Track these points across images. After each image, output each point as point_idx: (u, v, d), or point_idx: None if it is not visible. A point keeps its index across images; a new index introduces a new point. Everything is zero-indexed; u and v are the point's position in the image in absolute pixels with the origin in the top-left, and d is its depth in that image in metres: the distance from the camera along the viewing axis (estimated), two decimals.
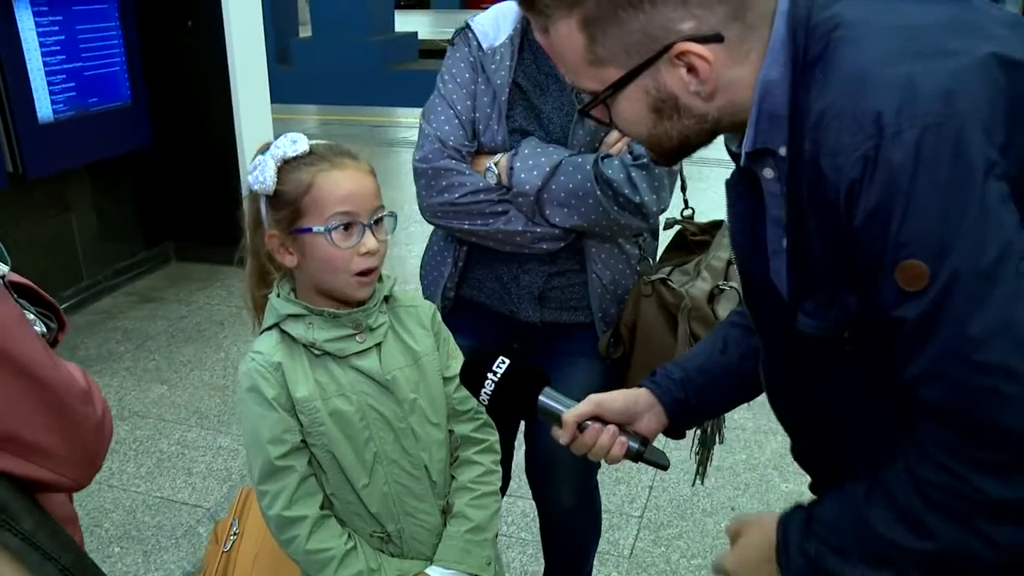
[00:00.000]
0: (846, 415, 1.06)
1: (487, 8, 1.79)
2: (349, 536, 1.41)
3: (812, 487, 1.23)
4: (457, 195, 1.69)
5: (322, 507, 1.40)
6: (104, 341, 4.09)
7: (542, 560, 2.24)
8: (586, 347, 1.80)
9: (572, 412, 1.22)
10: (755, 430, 3.20)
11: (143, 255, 4.87)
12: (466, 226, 1.71)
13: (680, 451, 3.11)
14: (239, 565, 1.89)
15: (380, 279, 1.43)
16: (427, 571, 1.45)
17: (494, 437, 1.56)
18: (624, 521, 2.79)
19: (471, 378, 1.27)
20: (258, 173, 1.34)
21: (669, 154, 1.04)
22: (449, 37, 1.80)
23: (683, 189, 1.80)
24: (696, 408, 1.30)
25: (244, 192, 1.42)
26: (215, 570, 1.97)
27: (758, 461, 3.08)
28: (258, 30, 4.86)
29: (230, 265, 5.27)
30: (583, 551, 2.15)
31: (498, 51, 1.70)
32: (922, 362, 0.84)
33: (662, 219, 1.87)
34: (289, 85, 10.64)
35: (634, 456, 1.25)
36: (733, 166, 1.08)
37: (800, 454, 1.22)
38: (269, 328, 1.40)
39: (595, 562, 2.22)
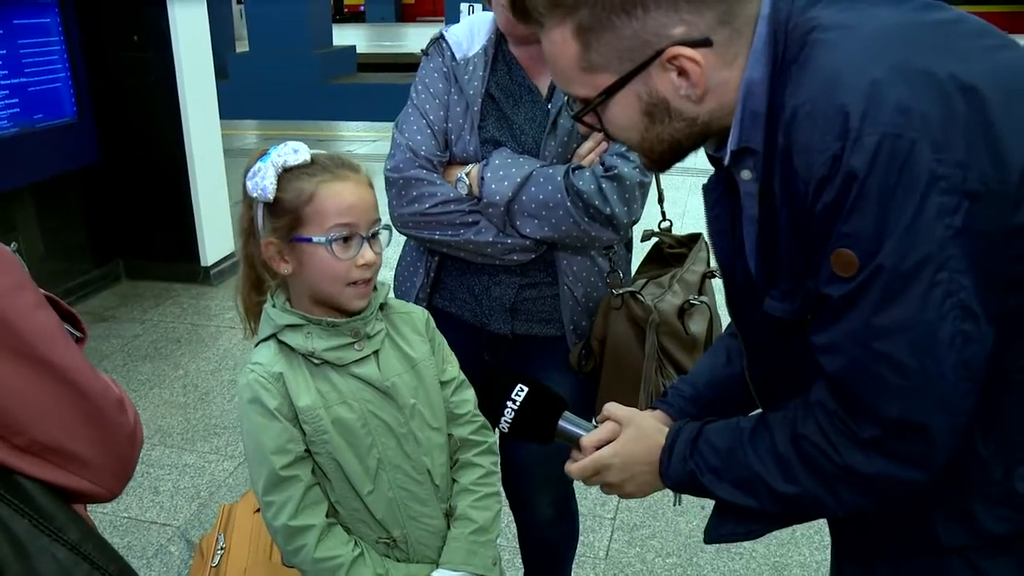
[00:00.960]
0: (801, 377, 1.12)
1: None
2: (356, 543, 1.42)
3: None
4: (428, 205, 1.68)
5: (327, 515, 1.41)
6: None
7: (519, 565, 2.26)
8: (558, 360, 1.80)
9: (590, 437, 1.25)
10: None
11: (93, 274, 4.76)
12: (436, 236, 1.71)
13: None
14: None
15: (375, 287, 1.44)
16: (434, 574, 1.46)
17: (492, 439, 1.59)
18: (598, 524, 2.83)
19: (489, 406, 1.28)
20: (258, 180, 1.33)
21: (660, 158, 1.08)
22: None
23: (660, 201, 1.81)
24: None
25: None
26: None
27: None
28: (205, 44, 4.82)
29: (182, 282, 5.18)
30: (562, 558, 2.17)
31: (471, 61, 1.70)
32: (830, 335, 0.94)
33: (638, 231, 1.88)
34: (227, 100, 10.47)
35: None
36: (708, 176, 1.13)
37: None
38: (266, 339, 1.40)
39: (572, 565, 2.25)
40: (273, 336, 1.39)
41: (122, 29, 4.57)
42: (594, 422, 1.33)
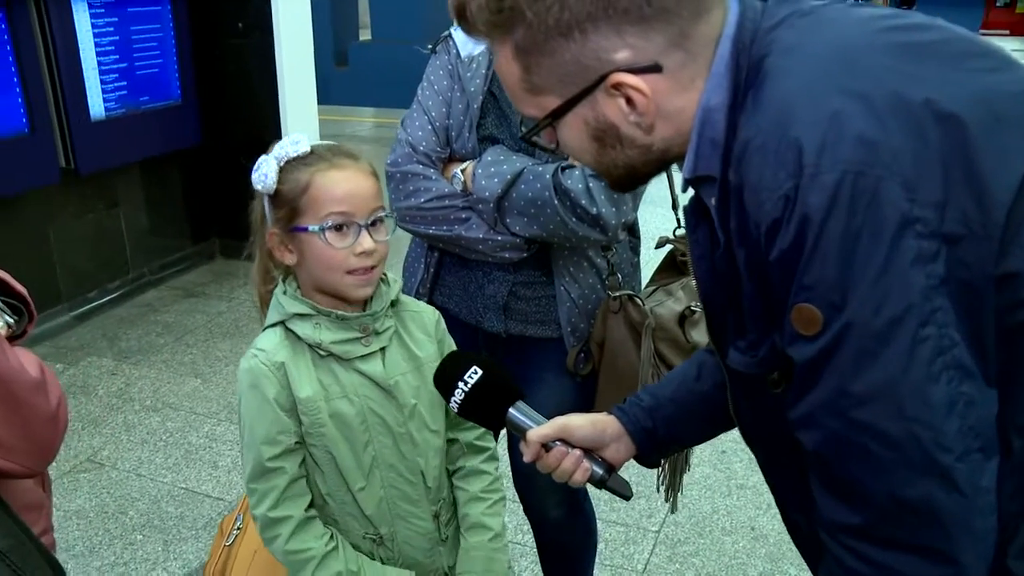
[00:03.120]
0: (780, 450, 1.04)
1: None
2: (331, 537, 1.42)
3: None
4: (423, 199, 1.69)
5: (309, 507, 1.41)
6: (145, 333, 4.19)
7: (537, 570, 2.22)
8: (554, 362, 1.78)
9: (536, 432, 1.22)
10: None
11: (189, 250, 4.98)
12: (432, 231, 1.72)
13: (702, 467, 3.08)
14: (239, 559, 1.92)
15: (387, 282, 1.43)
16: None
17: (494, 444, 1.59)
18: (641, 536, 2.76)
19: (443, 382, 1.27)
20: (260, 172, 1.35)
21: (618, 182, 1.01)
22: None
23: (675, 207, 1.75)
24: (665, 438, 1.28)
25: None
26: (216, 561, 2.01)
27: None
28: (307, 32, 4.94)
29: None
30: (578, 562, 2.13)
31: (475, 60, 1.71)
32: (804, 407, 0.84)
33: (653, 238, 1.83)
34: (346, 87, 10.79)
35: (597, 483, 1.24)
36: None
37: (770, 484, 1.20)
38: (273, 325, 1.41)
39: (592, 567, 2.19)
40: (280, 323, 1.40)
41: (228, 16, 4.74)
42: None
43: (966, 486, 0.79)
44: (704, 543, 2.73)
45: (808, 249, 0.77)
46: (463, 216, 1.68)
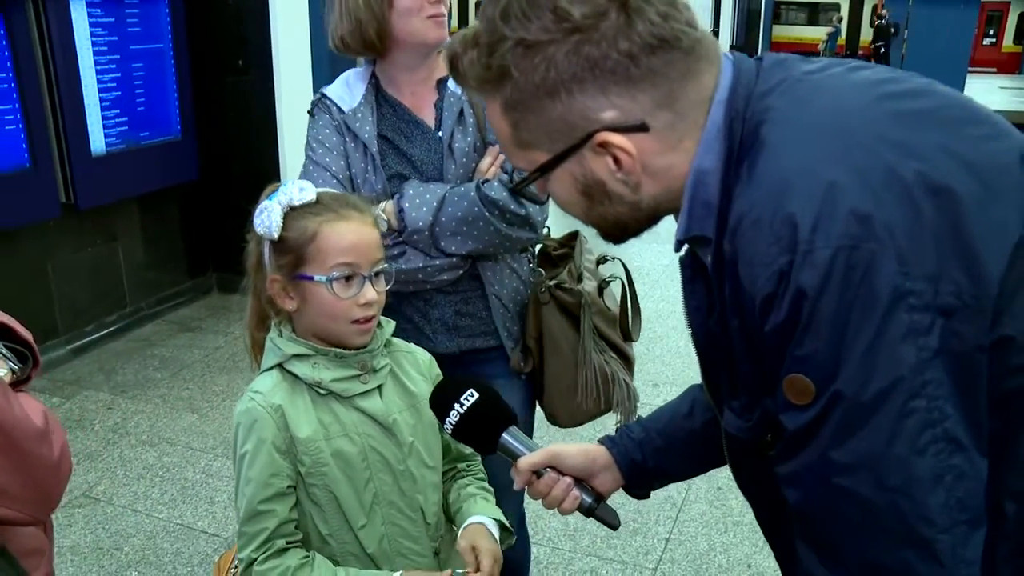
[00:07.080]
0: (769, 500, 1.04)
1: None
2: (305, 555, 1.39)
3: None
4: None
5: (307, 548, 1.40)
6: (141, 368, 4.19)
7: None
8: (501, 368, 1.88)
9: (527, 460, 1.24)
10: None
11: (186, 285, 5.00)
12: None
13: (699, 503, 3.08)
14: None
15: (380, 324, 1.45)
16: (471, 520, 1.49)
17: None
18: (638, 573, 2.76)
19: (439, 404, 1.29)
20: (264, 217, 1.36)
21: (609, 234, 1.02)
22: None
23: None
24: (654, 470, 1.29)
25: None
26: None
27: None
28: (306, 70, 4.99)
29: None
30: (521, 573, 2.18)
31: (358, 111, 1.80)
32: (790, 466, 0.86)
33: None
34: None
35: (585, 511, 1.26)
36: None
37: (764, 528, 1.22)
38: (269, 368, 1.42)
39: None
40: (278, 365, 1.41)
41: (228, 54, 4.80)
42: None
43: (946, 557, 0.78)
44: None
45: (802, 324, 0.78)
46: (396, 252, 1.75)
